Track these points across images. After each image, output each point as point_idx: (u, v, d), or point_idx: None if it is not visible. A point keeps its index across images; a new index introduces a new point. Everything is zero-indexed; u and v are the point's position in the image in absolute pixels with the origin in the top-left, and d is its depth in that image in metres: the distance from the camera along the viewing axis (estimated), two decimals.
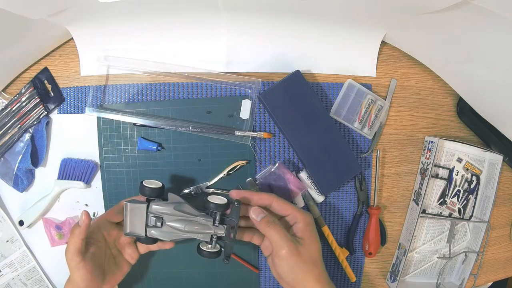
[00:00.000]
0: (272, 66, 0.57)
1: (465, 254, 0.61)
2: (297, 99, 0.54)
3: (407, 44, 0.57)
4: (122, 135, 0.56)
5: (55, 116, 0.57)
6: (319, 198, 0.58)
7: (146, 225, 0.46)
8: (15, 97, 0.55)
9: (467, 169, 0.61)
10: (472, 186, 0.61)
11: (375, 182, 0.59)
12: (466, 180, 0.61)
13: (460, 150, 0.60)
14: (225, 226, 0.46)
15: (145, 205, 0.46)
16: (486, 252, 0.63)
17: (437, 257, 0.62)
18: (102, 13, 0.51)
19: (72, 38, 0.55)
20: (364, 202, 0.59)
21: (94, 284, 0.44)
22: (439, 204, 0.61)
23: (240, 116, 0.56)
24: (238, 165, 0.56)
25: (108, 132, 0.56)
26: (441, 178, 0.60)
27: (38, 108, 0.55)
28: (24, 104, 0.55)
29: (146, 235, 0.46)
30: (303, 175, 0.57)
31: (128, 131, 0.56)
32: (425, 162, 0.59)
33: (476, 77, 0.50)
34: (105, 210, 0.57)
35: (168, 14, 0.52)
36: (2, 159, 0.56)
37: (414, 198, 0.60)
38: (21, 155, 0.55)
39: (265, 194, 0.48)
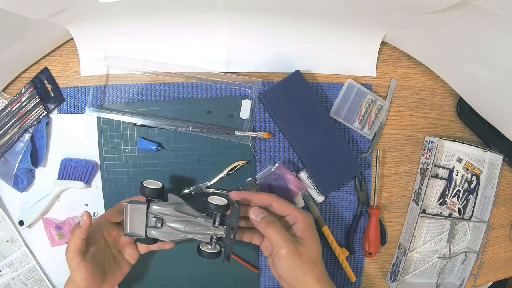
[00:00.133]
0: (272, 66, 0.57)
1: (465, 254, 0.61)
2: (297, 99, 0.54)
3: (407, 44, 0.57)
4: (122, 135, 0.56)
5: (55, 116, 0.57)
6: (319, 198, 0.58)
7: (146, 226, 0.46)
8: (15, 97, 0.55)
9: (467, 169, 0.61)
10: (472, 186, 0.61)
11: (375, 182, 0.59)
12: (466, 180, 0.61)
13: (460, 150, 0.60)
14: (225, 227, 0.46)
15: (145, 206, 0.46)
16: (486, 252, 0.63)
17: (437, 257, 0.62)
18: (102, 13, 0.51)
19: (72, 38, 0.55)
20: (364, 202, 0.59)
21: (94, 284, 0.44)
22: (439, 204, 0.61)
23: (240, 116, 0.56)
24: (238, 165, 0.56)
25: (108, 132, 0.56)
26: (441, 178, 0.60)
27: (38, 108, 0.55)
28: (24, 104, 0.55)
29: (146, 235, 0.46)
30: (303, 175, 0.57)
31: (128, 131, 0.56)
32: (425, 162, 0.59)
33: (476, 77, 0.50)
34: (105, 210, 0.57)
35: (168, 14, 0.52)
36: (2, 159, 0.56)
37: (414, 198, 0.60)
38: (21, 155, 0.55)
39: (265, 194, 0.48)
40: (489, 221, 0.60)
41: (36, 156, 0.56)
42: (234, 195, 0.48)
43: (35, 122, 0.55)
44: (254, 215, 0.46)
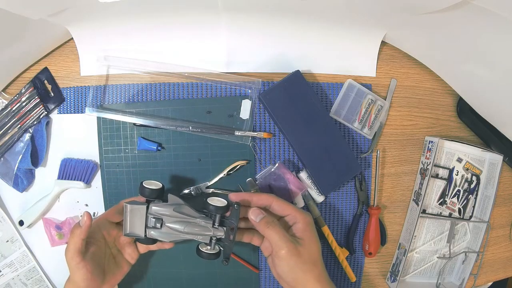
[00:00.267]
0: (272, 66, 0.57)
1: (465, 254, 0.61)
2: (297, 99, 0.54)
3: (407, 44, 0.57)
4: (122, 135, 0.56)
5: (55, 116, 0.57)
6: (319, 198, 0.58)
7: (146, 226, 0.46)
8: (15, 97, 0.55)
9: (467, 169, 0.61)
10: (472, 186, 0.61)
11: (375, 182, 0.59)
12: (466, 180, 0.61)
13: (460, 150, 0.60)
14: (225, 228, 0.46)
15: (144, 207, 0.46)
16: (486, 252, 0.63)
17: (437, 257, 0.62)
18: (102, 13, 0.50)
19: (72, 38, 0.55)
20: (364, 202, 0.59)
21: (94, 284, 0.44)
22: (439, 204, 0.61)
23: (240, 116, 0.56)
24: (238, 165, 0.56)
25: (108, 132, 0.56)
26: (441, 178, 0.60)
27: (38, 108, 0.55)
28: (24, 104, 0.55)
29: (145, 235, 0.46)
30: (303, 175, 0.57)
31: (128, 131, 0.56)
32: (425, 162, 0.59)
33: (476, 77, 0.50)
34: (105, 210, 0.57)
35: (168, 14, 0.52)
36: (2, 159, 0.56)
37: (414, 198, 0.60)
38: (21, 155, 0.55)
39: (264, 194, 0.48)
40: (489, 221, 0.60)
41: (36, 156, 0.56)
42: (234, 196, 0.48)
43: (35, 122, 0.55)
44: (254, 215, 0.45)
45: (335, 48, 0.57)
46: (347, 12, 0.51)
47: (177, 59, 0.56)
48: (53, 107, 0.56)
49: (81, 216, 0.58)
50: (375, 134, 0.59)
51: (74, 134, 0.57)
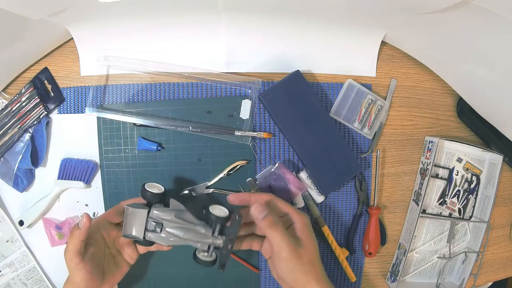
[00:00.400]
0: (272, 66, 0.57)
1: (465, 254, 0.61)
2: (297, 99, 0.54)
3: (407, 44, 0.57)
4: (122, 135, 0.56)
5: (55, 116, 0.57)
6: (319, 198, 0.58)
7: (146, 229, 0.46)
8: (15, 97, 0.55)
9: (467, 169, 0.61)
10: (472, 186, 0.61)
11: (375, 182, 0.59)
12: (466, 180, 0.61)
13: (460, 150, 0.60)
14: (224, 237, 0.46)
15: (146, 211, 0.46)
16: (486, 252, 0.63)
17: (437, 257, 0.62)
18: (102, 13, 0.50)
19: (72, 38, 0.55)
20: (364, 202, 0.59)
21: (94, 284, 0.44)
22: (439, 204, 0.61)
23: (240, 116, 0.56)
24: (238, 165, 0.56)
25: (108, 132, 0.56)
26: (441, 178, 0.60)
27: (38, 108, 0.55)
28: (24, 104, 0.55)
29: (144, 238, 0.46)
30: (303, 175, 0.57)
31: (128, 131, 0.56)
32: (425, 162, 0.59)
33: (476, 77, 0.50)
34: (105, 210, 0.57)
35: (168, 14, 0.52)
36: (2, 159, 0.56)
37: (414, 198, 0.60)
38: (21, 155, 0.55)
39: (263, 194, 0.48)
40: (489, 221, 0.60)
41: (36, 156, 0.56)
42: (232, 197, 0.48)
43: (35, 122, 0.55)
44: (257, 212, 0.45)
45: (335, 48, 0.57)
46: (347, 12, 0.51)
47: (177, 59, 0.56)
48: (53, 107, 0.56)
49: (80, 216, 0.58)
50: (375, 134, 0.59)
51: (74, 134, 0.57)
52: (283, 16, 0.53)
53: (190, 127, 0.55)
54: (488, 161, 0.61)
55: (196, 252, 0.47)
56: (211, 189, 0.56)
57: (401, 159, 0.60)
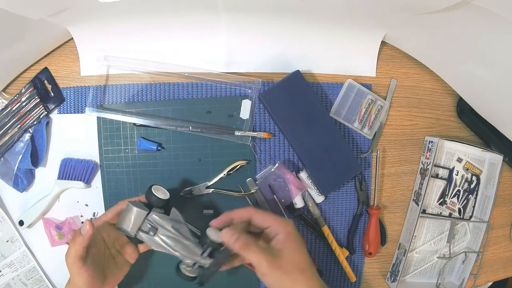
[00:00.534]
0: (272, 66, 0.57)
1: (465, 254, 0.61)
2: (297, 99, 0.54)
3: (407, 44, 0.57)
4: (122, 135, 0.56)
5: (55, 116, 0.57)
6: (319, 198, 0.58)
7: (139, 229, 0.46)
8: (15, 97, 0.55)
9: (467, 169, 0.61)
10: (472, 186, 0.61)
11: (375, 182, 0.59)
12: (466, 180, 0.61)
13: (460, 150, 0.60)
14: (212, 260, 0.46)
15: (145, 213, 0.46)
16: (486, 252, 0.63)
17: (437, 257, 0.62)
18: (102, 13, 0.50)
19: (72, 38, 0.55)
20: (364, 202, 0.59)
21: (95, 286, 0.45)
22: (439, 204, 0.61)
23: (240, 116, 0.56)
24: (238, 165, 0.56)
25: (108, 132, 0.56)
26: (441, 178, 0.60)
27: (38, 108, 0.55)
28: (24, 104, 0.55)
29: (135, 236, 0.46)
30: (303, 175, 0.57)
31: (128, 131, 0.56)
32: (425, 162, 0.59)
33: (476, 77, 0.50)
34: (105, 210, 0.57)
35: (168, 14, 0.52)
36: (2, 159, 0.56)
37: (414, 198, 0.60)
38: (21, 155, 0.55)
39: (242, 209, 0.47)
40: (489, 221, 0.60)
41: (36, 156, 0.56)
42: (214, 223, 0.47)
43: (35, 122, 0.55)
44: (228, 236, 0.44)
45: (335, 48, 0.57)
46: (347, 12, 0.51)
47: (177, 59, 0.56)
48: (53, 107, 0.56)
49: (81, 216, 0.58)
50: (375, 134, 0.59)
51: (74, 134, 0.57)
52: (283, 16, 0.53)
53: (190, 127, 0.55)
54: (488, 161, 0.61)
55: (180, 264, 0.47)
56: (211, 189, 0.56)
57: (401, 159, 0.60)
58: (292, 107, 0.54)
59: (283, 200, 0.56)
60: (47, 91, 0.56)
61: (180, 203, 0.52)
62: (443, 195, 0.60)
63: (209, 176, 0.57)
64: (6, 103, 0.55)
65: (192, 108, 0.56)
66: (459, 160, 0.60)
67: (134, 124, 0.55)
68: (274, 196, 0.56)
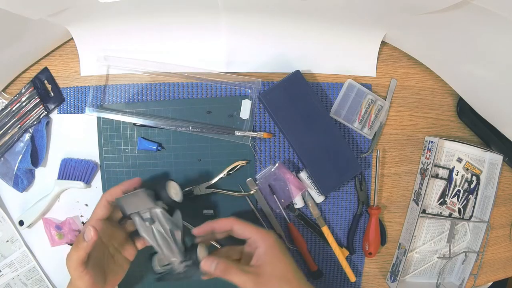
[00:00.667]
0: (272, 66, 0.57)
1: (465, 254, 0.61)
2: (297, 99, 0.54)
3: (407, 44, 0.57)
4: (122, 135, 0.56)
5: (55, 116, 0.57)
6: (319, 198, 0.58)
7: (138, 213, 0.46)
8: (15, 97, 0.55)
9: (467, 169, 0.61)
10: (472, 186, 0.61)
11: (375, 182, 0.59)
12: (466, 180, 0.61)
13: (460, 150, 0.60)
14: (186, 271, 0.45)
15: (152, 204, 0.45)
16: (486, 252, 0.63)
17: (437, 257, 0.62)
18: (102, 13, 0.51)
19: (72, 38, 0.55)
20: (364, 202, 0.59)
21: (97, 287, 0.45)
22: (439, 204, 0.61)
23: (240, 116, 0.56)
24: (238, 165, 0.56)
25: (108, 132, 0.56)
26: (441, 178, 0.60)
27: (38, 108, 0.55)
28: (24, 104, 0.55)
29: (128, 216, 0.46)
30: (303, 175, 0.57)
31: (128, 131, 0.56)
32: (425, 162, 0.59)
33: (476, 77, 0.50)
34: None
35: (168, 14, 0.52)
36: (2, 159, 0.56)
37: (414, 198, 0.60)
38: (21, 155, 0.55)
39: (224, 219, 0.47)
40: (489, 221, 0.60)
41: (36, 156, 0.56)
42: (196, 231, 0.47)
43: (35, 122, 0.55)
44: (207, 266, 0.44)
45: (335, 48, 0.57)
46: (347, 12, 0.51)
47: (177, 59, 0.56)
48: (53, 107, 0.56)
49: (81, 216, 0.58)
50: (375, 134, 0.59)
51: (74, 134, 0.57)
52: (283, 16, 0.53)
53: (190, 127, 0.55)
54: (488, 161, 0.61)
55: (155, 256, 0.47)
56: (211, 189, 0.56)
57: (401, 159, 0.60)
58: (292, 107, 0.54)
59: (283, 200, 0.56)
60: (47, 91, 0.56)
61: (182, 221, 0.52)
62: (443, 195, 0.60)
63: (209, 176, 0.57)
64: (6, 103, 0.55)
65: (192, 108, 0.56)
66: (459, 160, 0.60)
67: (134, 124, 0.56)
68: (274, 196, 0.56)
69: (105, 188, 0.57)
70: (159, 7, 0.50)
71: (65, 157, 0.57)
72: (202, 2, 0.49)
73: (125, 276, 0.51)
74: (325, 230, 0.58)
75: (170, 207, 0.48)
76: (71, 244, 0.57)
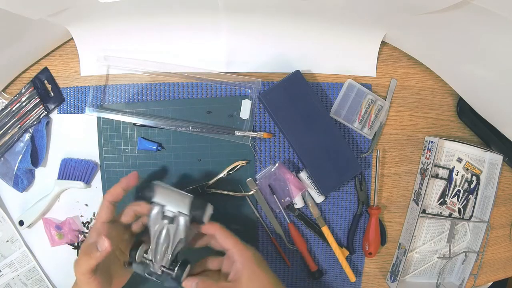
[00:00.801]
0: (272, 66, 0.57)
1: (465, 254, 0.61)
2: (297, 99, 0.54)
3: (407, 44, 0.57)
4: (122, 135, 0.56)
5: (55, 116, 0.57)
6: (319, 198, 0.58)
7: (162, 207, 0.45)
8: (15, 97, 0.55)
9: (467, 169, 0.61)
10: (472, 186, 0.61)
11: (375, 182, 0.59)
12: (466, 180, 0.61)
13: (460, 150, 0.60)
14: (162, 277, 0.45)
15: (184, 212, 0.45)
16: (486, 252, 0.63)
17: (437, 257, 0.62)
18: (102, 13, 0.51)
19: (72, 38, 0.55)
20: (364, 202, 0.59)
21: None
22: (439, 204, 0.61)
23: (240, 116, 0.56)
24: (238, 165, 0.56)
25: (108, 132, 0.56)
26: (441, 178, 0.60)
27: (38, 108, 0.55)
28: (24, 104, 0.55)
29: (150, 201, 0.45)
30: (303, 175, 0.57)
31: (128, 131, 0.56)
32: (425, 162, 0.59)
33: (476, 77, 0.50)
34: None
35: (168, 14, 0.52)
36: (2, 159, 0.56)
37: (414, 198, 0.60)
38: (21, 155, 0.55)
39: (208, 224, 0.46)
40: (489, 221, 0.60)
41: (36, 156, 0.56)
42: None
43: (35, 122, 0.55)
44: (188, 286, 0.44)
45: (335, 48, 0.57)
46: (347, 12, 0.51)
47: (177, 59, 0.56)
48: (53, 107, 0.56)
49: (81, 216, 0.58)
50: (375, 134, 0.59)
51: (74, 134, 0.57)
52: (283, 16, 0.53)
53: (190, 127, 0.55)
54: (488, 161, 0.61)
55: (141, 247, 0.46)
56: (211, 189, 0.56)
57: (401, 159, 0.60)
58: (292, 107, 0.54)
59: (283, 200, 0.56)
60: (47, 91, 0.56)
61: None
62: (443, 195, 0.60)
63: (209, 176, 0.57)
64: (6, 103, 0.55)
65: (192, 108, 0.56)
66: (459, 160, 0.60)
67: (134, 124, 0.56)
68: (274, 196, 0.56)
69: (105, 188, 0.57)
70: (159, 7, 0.50)
71: (65, 157, 0.57)
72: (202, 2, 0.49)
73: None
74: (325, 230, 0.58)
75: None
76: (71, 244, 0.57)
